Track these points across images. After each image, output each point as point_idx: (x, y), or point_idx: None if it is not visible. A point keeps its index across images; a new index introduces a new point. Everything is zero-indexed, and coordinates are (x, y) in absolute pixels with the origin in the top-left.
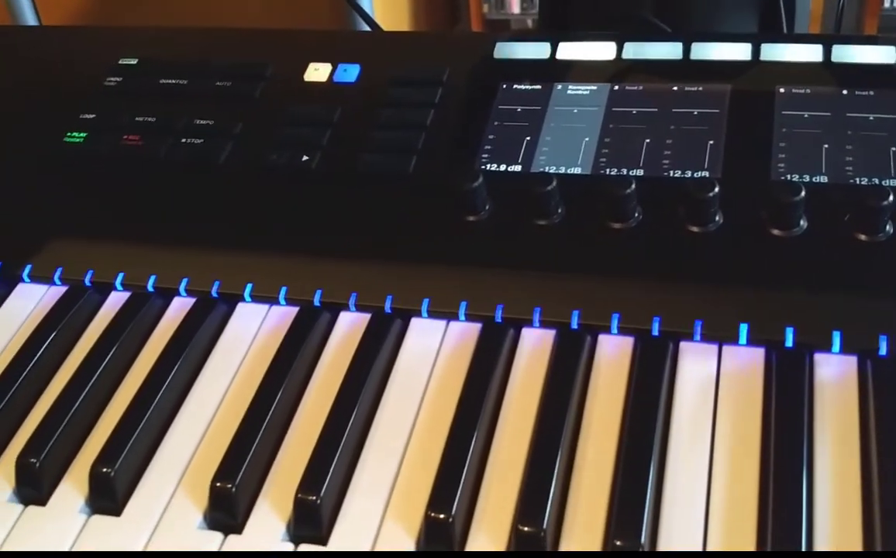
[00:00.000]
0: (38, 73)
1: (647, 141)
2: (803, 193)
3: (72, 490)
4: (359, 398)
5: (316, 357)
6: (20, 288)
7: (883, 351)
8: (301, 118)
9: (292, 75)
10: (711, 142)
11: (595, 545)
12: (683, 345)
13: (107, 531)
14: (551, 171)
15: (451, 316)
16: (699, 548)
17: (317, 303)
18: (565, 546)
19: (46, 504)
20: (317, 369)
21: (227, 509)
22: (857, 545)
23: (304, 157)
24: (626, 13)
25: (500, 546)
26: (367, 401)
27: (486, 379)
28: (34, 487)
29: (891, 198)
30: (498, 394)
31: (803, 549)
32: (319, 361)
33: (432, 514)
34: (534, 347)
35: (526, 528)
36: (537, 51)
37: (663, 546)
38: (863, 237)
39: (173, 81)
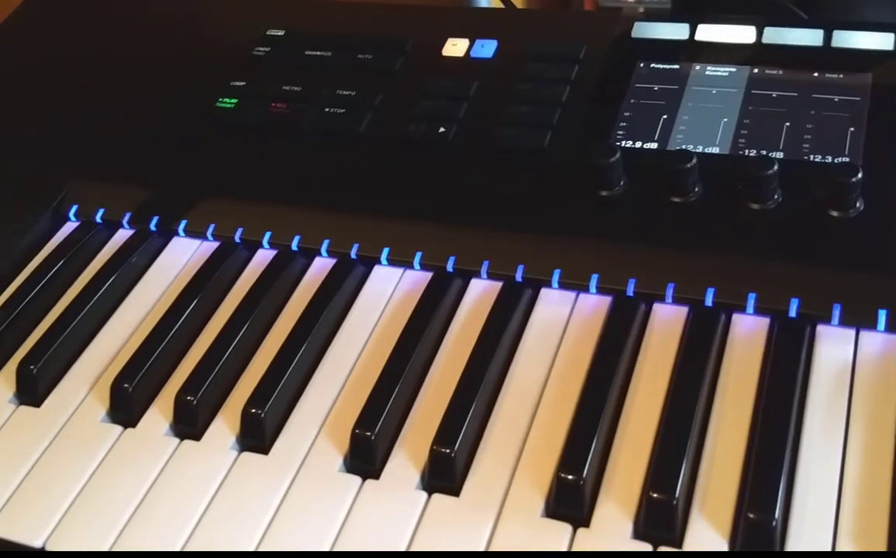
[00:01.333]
0: (193, 39)
1: (788, 124)
2: None
3: (224, 427)
4: (490, 361)
5: (448, 320)
6: (175, 241)
7: None
8: (439, 91)
9: (431, 49)
10: (852, 129)
11: (727, 516)
12: (820, 328)
13: (255, 468)
14: (688, 150)
15: (581, 288)
16: (831, 529)
17: (450, 269)
18: (696, 515)
19: (201, 439)
20: (449, 332)
21: (366, 455)
22: None
23: (441, 129)
24: None
25: (629, 512)
26: (497, 366)
27: (617, 350)
28: (189, 424)
29: None
30: (628, 366)
31: None
32: (451, 325)
33: (563, 475)
34: (665, 323)
35: (656, 495)
36: (676, 31)
37: (795, 523)
38: None
39: (318, 53)
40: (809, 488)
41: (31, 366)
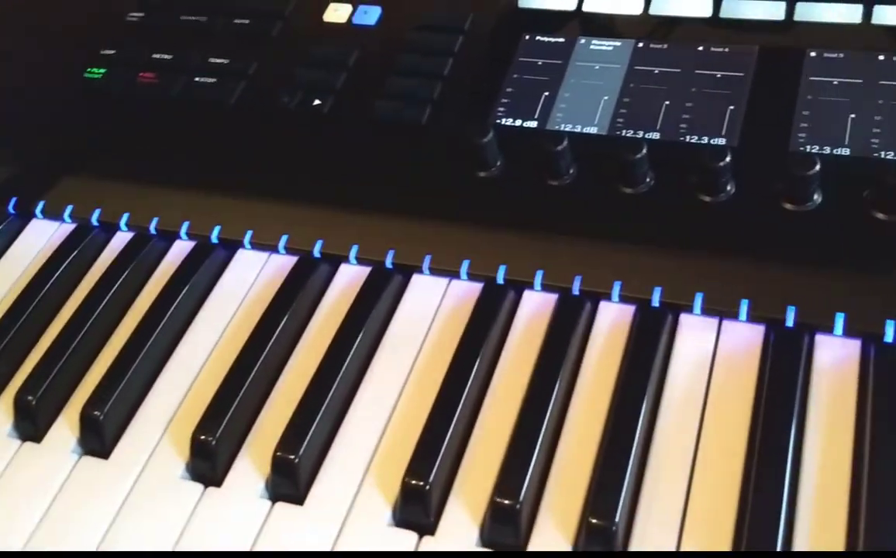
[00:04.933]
0: (65, 3)
1: (667, 103)
2: (818, 167)
3: (66, 429)
4: (348, 356)
5: (312, 309)
6: (33, 224)
7: (889, 337)
8: (316, 60)
9: (312, 15)
10: (732, 107)
11: (573, 519)
12: (683, 318)
13: (95, 472)
14: (567, 130)
15: (453, 274)
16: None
17: (316, 253)
18: (541, 521)
19: (41, 441)
20: (311, 322)
21: (208, 461)
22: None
23: (316, 101)
24: None
25: (476, 518)
26: (357, 360)
27: (480, 342)
28: (31, 424)
29: None
30: (492, 358)
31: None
32: (315, 314)
33: (409, 480)
34: (534, 311)
35: (505, 501)
36: (563, 1)
37: (640, 523)
38: (880, 216)
39: (193, 18)
40: (658, 488)
41: None
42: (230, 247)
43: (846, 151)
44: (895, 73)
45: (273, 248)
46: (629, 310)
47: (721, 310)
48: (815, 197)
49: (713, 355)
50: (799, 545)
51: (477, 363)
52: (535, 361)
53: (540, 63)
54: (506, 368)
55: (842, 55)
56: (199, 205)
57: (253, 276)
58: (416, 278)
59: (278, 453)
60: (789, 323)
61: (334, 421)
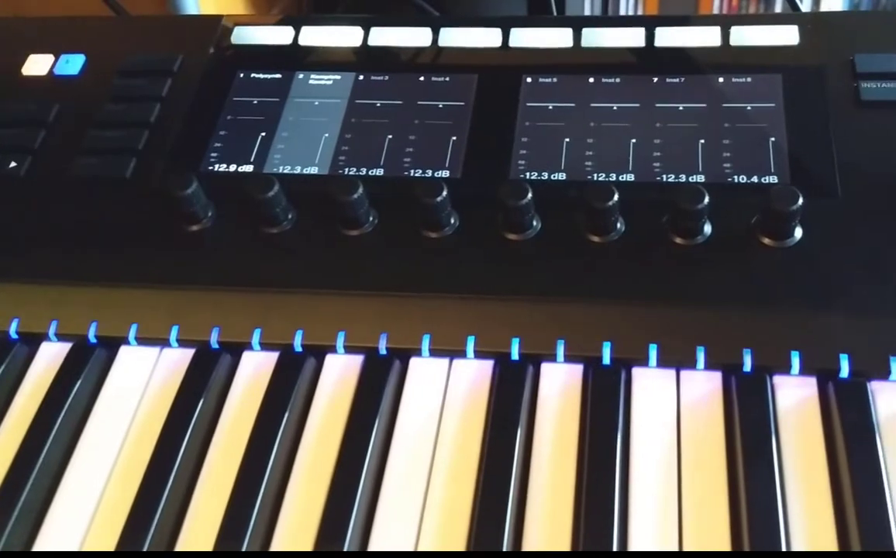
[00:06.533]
0: None
1: (390, 137)
2: (530, 195)
3: None
4: (48, 440)
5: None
6: None
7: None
8: (11, 119)
9: (9, 69)
10: (455, 138)
11: None
12: (413, 360)
13: None
14: (285, 171)
15: (162, 342)
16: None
17: (13, 334)
18: None
19: None
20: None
21: None
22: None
23: (12, 164)
24: None
25: None
26: (58, 444)
27: (191, 411)
28: None
29: (614, 198)
30: (209, 424)
31: None
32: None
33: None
34: (255, 372)
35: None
36: (279, 35)
37: None
38: (595, 238)
39: None
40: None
41: None
42: None
43: (562, 176)
44: (606, 94)
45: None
46: (357, 359)
47: (450, 349)
48: (535, 224)
49: (444, 393)
50: None
51: (189, 431)
52: (254, 421)
53: (255, 102)
54: (225, 429)
55: (555, 80)
56: None
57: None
58: (123, 350)
59: None
60: (515, 356)
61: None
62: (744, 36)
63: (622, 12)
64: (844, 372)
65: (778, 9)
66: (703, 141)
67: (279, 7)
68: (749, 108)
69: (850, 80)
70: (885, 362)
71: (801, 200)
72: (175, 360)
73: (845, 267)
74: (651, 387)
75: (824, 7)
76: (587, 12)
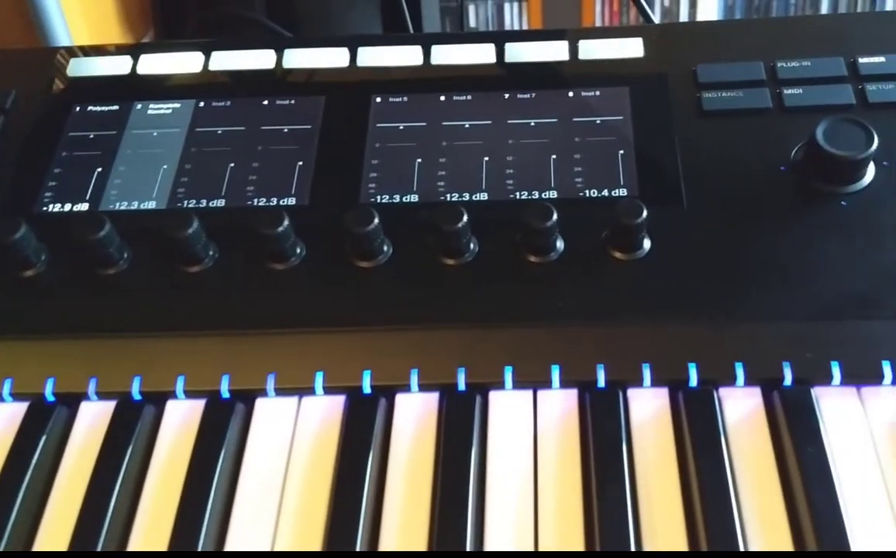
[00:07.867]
0: None
1: (232, 165)
2: (376, 221)
3: None
4: None
5: None
6: None
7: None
8: None
9: None
10: (301, 163)
11: None
12: (259, 401)
13: None
14: (122, 208)
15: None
16: None
17: None
18: None
19: None
20: None
21: None
22: None
23: None
24: (238, 16)
25: None
26: None
27: (24, 471)
28: None
29: (463, 220)
30: (47, 476)
31: None
32: None
33: None
34: (91, 424)
35: None
36: (116, 66)
37: None
38: (449, 261)
39: None
40: None
41: None
42: None
43: (415, 198)
44: (457, 112)
45: None
46: (199, 403)
47: (297, 387)
48: (385, 249)
49: (292, 437)
50: None
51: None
52: (92, 471)
53: (91, 136)
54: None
55: (405, 99)
56: None
57: None
58: None
59: None
60: (367, 389)
61: None
62: (591, 49)
63: (507, 26)
64: (693, 381)
65: (657, 16)
66: (554, 156)
67: (155, 31)
68: (598, 121)
69: (693, 90)
70: (731, 368)
71: (645, 213)
72: (9, 416)
73: (693, 275)
74: (508, 409)
75: (700, 13)
76: (446, 29)
